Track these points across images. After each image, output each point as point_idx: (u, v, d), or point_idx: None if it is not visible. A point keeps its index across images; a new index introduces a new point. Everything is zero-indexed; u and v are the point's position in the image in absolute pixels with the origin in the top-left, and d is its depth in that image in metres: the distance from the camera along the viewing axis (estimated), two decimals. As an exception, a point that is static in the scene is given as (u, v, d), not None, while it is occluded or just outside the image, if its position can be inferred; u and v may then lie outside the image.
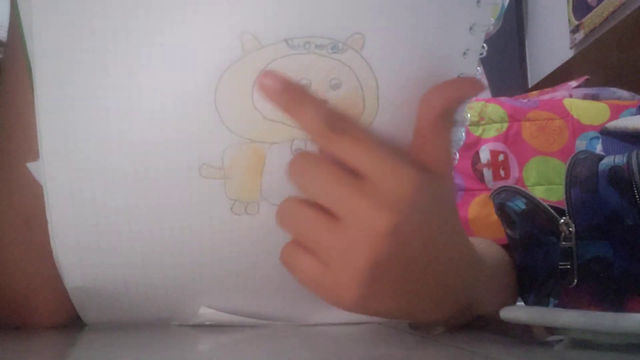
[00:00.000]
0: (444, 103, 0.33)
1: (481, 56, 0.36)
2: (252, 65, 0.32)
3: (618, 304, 0.38)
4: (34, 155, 0.34)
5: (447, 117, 0.34)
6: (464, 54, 0.35)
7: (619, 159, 0.41)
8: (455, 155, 0.39)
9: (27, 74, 0.32)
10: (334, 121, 0.32)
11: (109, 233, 0.35)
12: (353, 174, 0.32)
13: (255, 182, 0.36)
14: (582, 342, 0.30)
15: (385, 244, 0.31)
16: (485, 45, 0.36)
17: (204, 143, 0.34)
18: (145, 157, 0.34)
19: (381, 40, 0.33)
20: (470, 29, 0.35)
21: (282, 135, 0.35)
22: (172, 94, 0.32)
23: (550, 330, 0.31)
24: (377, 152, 0.32)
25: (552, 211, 0.42)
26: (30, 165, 0.35)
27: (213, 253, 0.38)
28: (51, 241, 0.35)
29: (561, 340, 0.32)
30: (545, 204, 0.42)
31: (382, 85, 0.34)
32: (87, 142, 0.33)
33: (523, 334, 0.32)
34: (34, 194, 0.35)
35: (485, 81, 1.92)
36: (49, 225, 0.35)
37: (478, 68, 0.36)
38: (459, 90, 0.34)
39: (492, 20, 0.36)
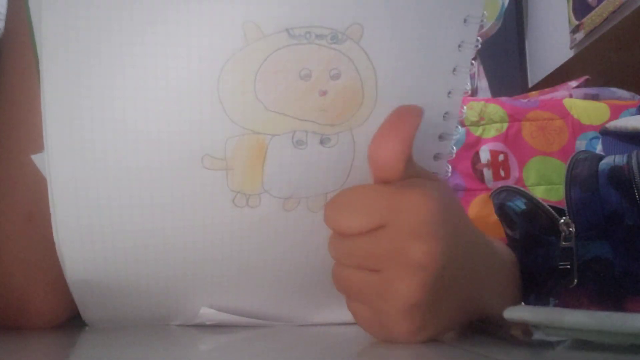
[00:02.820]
0: (402, 157, 0.32)
1: (476, 49, 0.36)
2: (254, 54, 0.32)
3: (618, 304, 0.39)
4: (37, 149, 0.34)
5: (409, 158, 0.33)
6: (459, 46, 0.36)
7: (619, 159, 0.41)
8: (453, 149, 0.39)
9: (33, 65, 0.32)
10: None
11: (111, 225, 0.35)
12: (376, 229, 0.32)
13: (257, 174, 0.36)
14: (584, 342, 0.30)
15: (424, 271, 0.30)
16: (479, 38, 0.36)
17: (207, 133, 0.34)
18: (148, 148, 0.34)
19: (379, 31, 0.33)
20: (465, 20, 0.35)
21: (284, 127, 0.35)
22: (176, 84, 0.32)
23: (529, 331, 0.31)
24: (382, 203, 0.32)
25: (552, 211, 0.42)
26: (35, 157, 0.35)
27: (214, 247, 0.38)
28: (54, 233, 0.35)
29: (564, 341, 0.31)
30: (545, 204, 0.42)
31: (380, 76, 0.35)
32: (92, 133, 0.33)
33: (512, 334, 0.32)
34: (37, 189, 0.35)
35: (485, 81, 1.92)
36: (52, 217, 0.35)
37: (472, 62, 0.37)
38: (406, 133, 0.32)
39: (485, 13, 0.36)
